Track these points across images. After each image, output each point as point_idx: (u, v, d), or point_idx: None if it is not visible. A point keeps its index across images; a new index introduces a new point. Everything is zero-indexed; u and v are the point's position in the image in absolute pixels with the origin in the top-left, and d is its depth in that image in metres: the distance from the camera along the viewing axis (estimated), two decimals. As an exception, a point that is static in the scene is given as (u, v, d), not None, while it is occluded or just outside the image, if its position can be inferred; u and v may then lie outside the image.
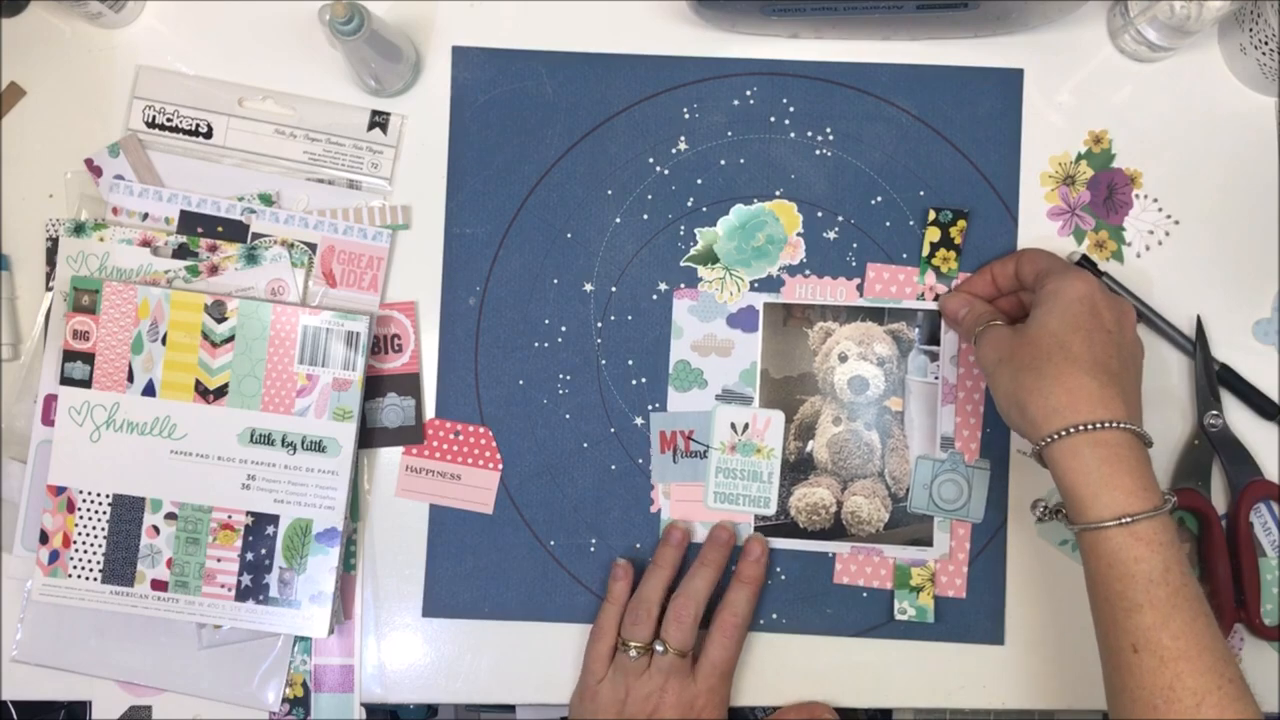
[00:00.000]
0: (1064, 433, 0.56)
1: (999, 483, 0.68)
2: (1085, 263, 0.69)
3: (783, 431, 0.69)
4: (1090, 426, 0.56)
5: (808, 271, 0.69)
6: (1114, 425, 0.56)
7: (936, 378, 0.69)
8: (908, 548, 0.68)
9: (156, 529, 0.66)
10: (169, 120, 0.69)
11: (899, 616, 0.68)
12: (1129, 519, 0.54)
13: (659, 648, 0.65)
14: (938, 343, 0.69)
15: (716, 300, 0.69)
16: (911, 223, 0.69)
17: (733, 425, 0.69)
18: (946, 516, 0.68)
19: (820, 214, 0.70)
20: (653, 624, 0.66)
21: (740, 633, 0.66)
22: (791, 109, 0.70)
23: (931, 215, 0.69)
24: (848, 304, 0.69)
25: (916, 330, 0.69)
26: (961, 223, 0.68)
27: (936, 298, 0.68)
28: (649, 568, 0.67)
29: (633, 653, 0.65)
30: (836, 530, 0.68)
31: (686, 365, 0.69)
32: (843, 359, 0.69)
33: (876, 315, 0.69)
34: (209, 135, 0.69)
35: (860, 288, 0.69)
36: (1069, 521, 0.57)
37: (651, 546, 0.69)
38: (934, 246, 0.69)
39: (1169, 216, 0.70)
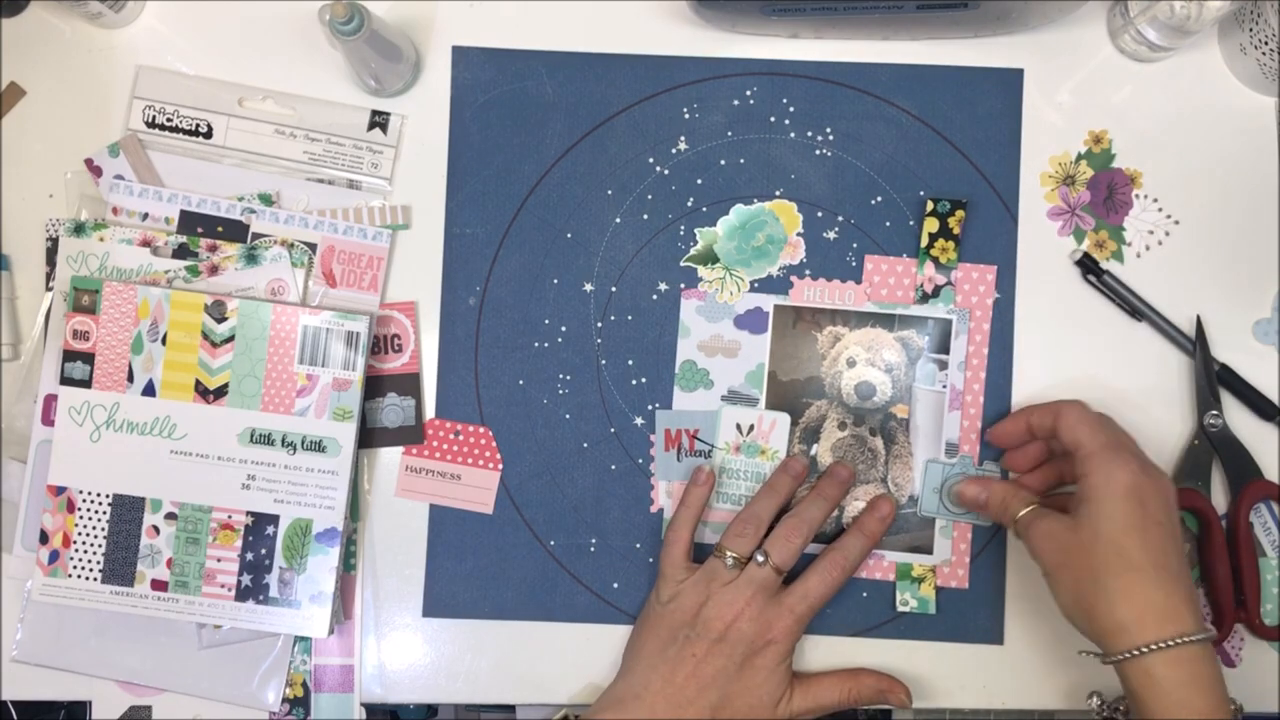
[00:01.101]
0: (1135, 653, 0.56)
1: (1002, 475, 0.68)
2: (1086, 261, 0.69)
3: (788, 434, 0.69)
4: (1162, 645, 0.56)
5: (813, 273, 0.69)
6: (1186, 641, 0.55)
7: (944, 386, 0.68)
8: (907, 554, 0.68)
9: (156, 529, 0.66)
10: (169, 120, 0.69)
11: (900, 608, 0.68)
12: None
13: (759, 558, 0.64)
14: (947, 351, 0.69)
15: (717, 300, 0.69)
16: (911, 222, 0.69)
17: (738, 426, 0.69)
18: (955, 519, 0.68)
19: (820, 214, 0.70)
20: (758, 540, 0.65)
21: (844, 574, 0.65)
22: (791, 109, 0.70)
23: (930, 206, 0.69)
24: (857, 309, 0.69)
25: (926, 338, 0.69)
26: (960, 213, 0.68)
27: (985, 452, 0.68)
28: (763, 489, 0.67)
29: (729, 560, 0.64)
30: (838, 535, 0.68)
31: (693, 365, 0.69)
32: (851, 364, 0.69)
33: (886, 321, 0.69)
34: (209, 135, 0.69)
35: (858, 280, 0.69)
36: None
37: (652, 547, 0.69)
38: (932, 237, 0.69)
39: (1169, 216, 0.70)
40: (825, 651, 0.69)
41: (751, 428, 0.69)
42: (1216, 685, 0.56)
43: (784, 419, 0.69)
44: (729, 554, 0.64)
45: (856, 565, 0.66)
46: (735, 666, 0.63)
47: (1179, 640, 0.55)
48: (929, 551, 0.68)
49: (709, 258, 0.70)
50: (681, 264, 0.70)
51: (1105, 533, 0.58)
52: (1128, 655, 0.56)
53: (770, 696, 0.63)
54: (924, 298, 0.69)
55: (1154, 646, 0.56)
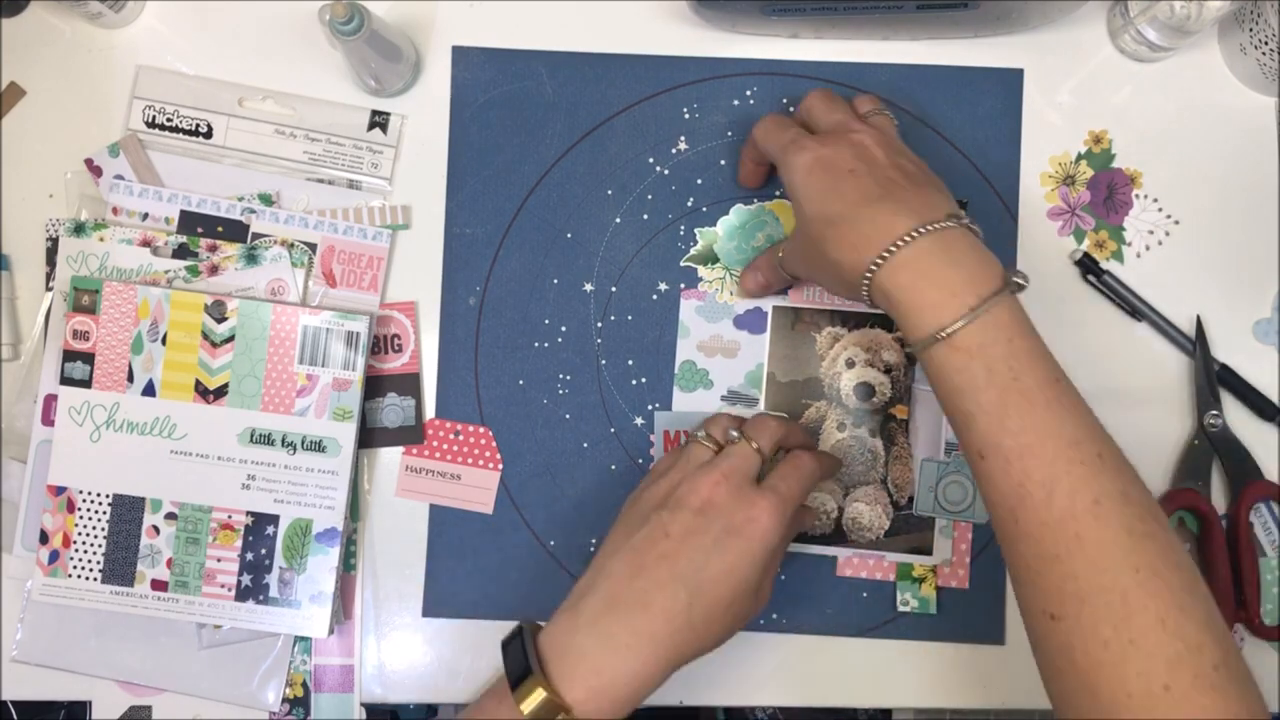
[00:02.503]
0: (866, 283, 0.54)
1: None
2: (1086, 261, 0.69)
3: (783, 432, 0.69)
4: (879, 261, 0.53)
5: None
6: (901, 243, 0.53)
7: (941, 383, 0.68)
8: (908, 555, 0.68)
9: (156, 529, 0.66)
10: (169, 120, 0.69)
11: (901, 608, 0.68)
12: (943, 333, 0.52)
13: (734, 433, 0.60)
14: None
15: (717, 300, 0.69)
16: (911, 223, 0.69)
17: (733, 425, 0.69)
18: (951, 518, 0.68)
19: (820, 214, 0.69)
20: (728, 425, 0.61)
21: (810, 474, 0.60)
22: (791, 109, 0.70)
23: None
24: (856, 310, 0.69)
25: (922, 335, 0.69)
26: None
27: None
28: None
29: (701, 435, 0.61)
30: (837, 536, 0.68)
31: (692, 365, 0.69)
32: (850, 365, 0.69)
33: (886, 322, 0.69)
34: (209, 135, 0.69)
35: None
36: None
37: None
38: None
39: (1169, 216, 0.70)
40: (825, 651, 0.69)
41: (751, 428, 0.69)
42: (953, 274, 0.53)
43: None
44: (703, 434, 0.61)
45: (817, 475, 0.61)
46: (711, 544, 0.56)
47: (892, 247, 0.53)
48: (929, 552, 0.68)
49: (709, 258, 0.70)
50: (681, 264, 0.70)
51: (808, 212, 0.57)
52: (864, 287, 0.54)
53: (749, 582, 0.57)
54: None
55: (873, 268, 0.54)
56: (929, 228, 0.53)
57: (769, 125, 0.63)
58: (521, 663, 0.54)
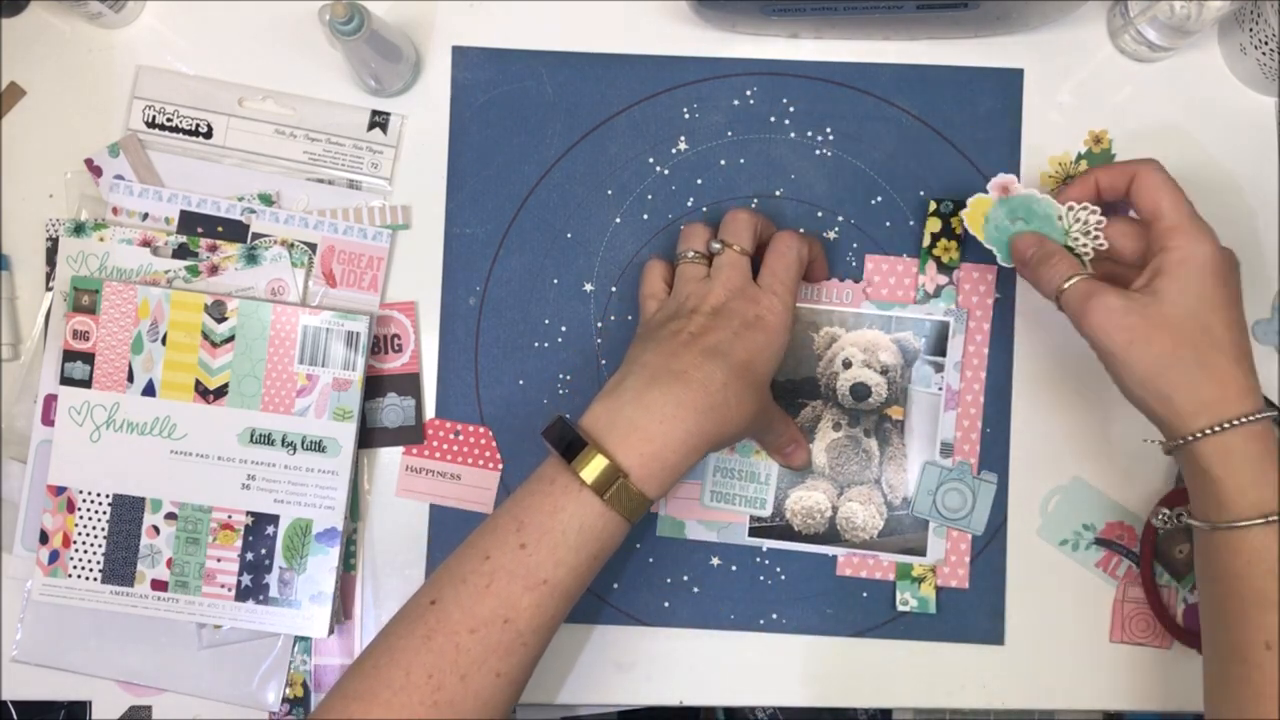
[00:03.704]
0: (1214, 429, 0.55)
1: (1000, 484, 0.68)
2: None
3: (783, 432, 0.69)
4: (1241, 421, 0.55)
5: (808, 272, 0.69)
6: (1261, 416, 0.55)
7: (940, 388, 0.68)
8: (901, 556, 0.68)
9: (156, 529, 0.66)
10: (169, 120, 0.69)
11: (900, 607, 0.68)
12: (1275, 518, 0.54)
13: (716, 245, 0.62)
14: (943, 354, 0.69)
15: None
16: (912, 223, 0.69)
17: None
18: (946, 524, 0.68)
19: (820, 214, 0.70)
20: (707, 236, 0.63)
21: (797, 247, 0.62)
22: (791, 109, 0.70)
23: (932, 206, 0.69)
24: (854, 310, 0.69)
25: (923, 340, 0.69)
26: (963, 213, 0.68)
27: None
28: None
29: (690, 254, 0.63)
30: (831, 535, 0.68)
31: (687, 365, 0.69)
32: (846, 365, 0.69)
33: (883, 323, 0.69)
34: (209, 135, 0.69)
35: (859, 279, 0.69)
36: (1195, 519, 0.57)
37: (652, 547, 0.69)
38: (934, 237, 0.69)
39: (1169, 216, 0.70)
40: (826, 651, 0.69)
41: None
42: (1273, 459, 0.55)
43: (783, 419, 0.69)
44: (689, 251, 0.63)
45: (805, 253, 0.63)
46: (733, 335, 0.59)
47: (1259, 415, 0.55)
48: (922, 553, 0.68)
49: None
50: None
51: (1191, 309, 0.56)
52: (1210, 431, 0.55)
53: (770, 370, 0.60)
54: (925, 297, 0.69)
55: (1237, 421, 0.55)
56: (1265, 416, 0.55)
57: (1169, 179, 0.59)
58: (573, 438, 0.56)
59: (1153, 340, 0.56)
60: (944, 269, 0.69)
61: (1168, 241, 0.57)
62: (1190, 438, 0.56)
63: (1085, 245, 0.61)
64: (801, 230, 0.68)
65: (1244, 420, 0.55)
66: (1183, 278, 0.56)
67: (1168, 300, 0.56)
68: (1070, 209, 0.61)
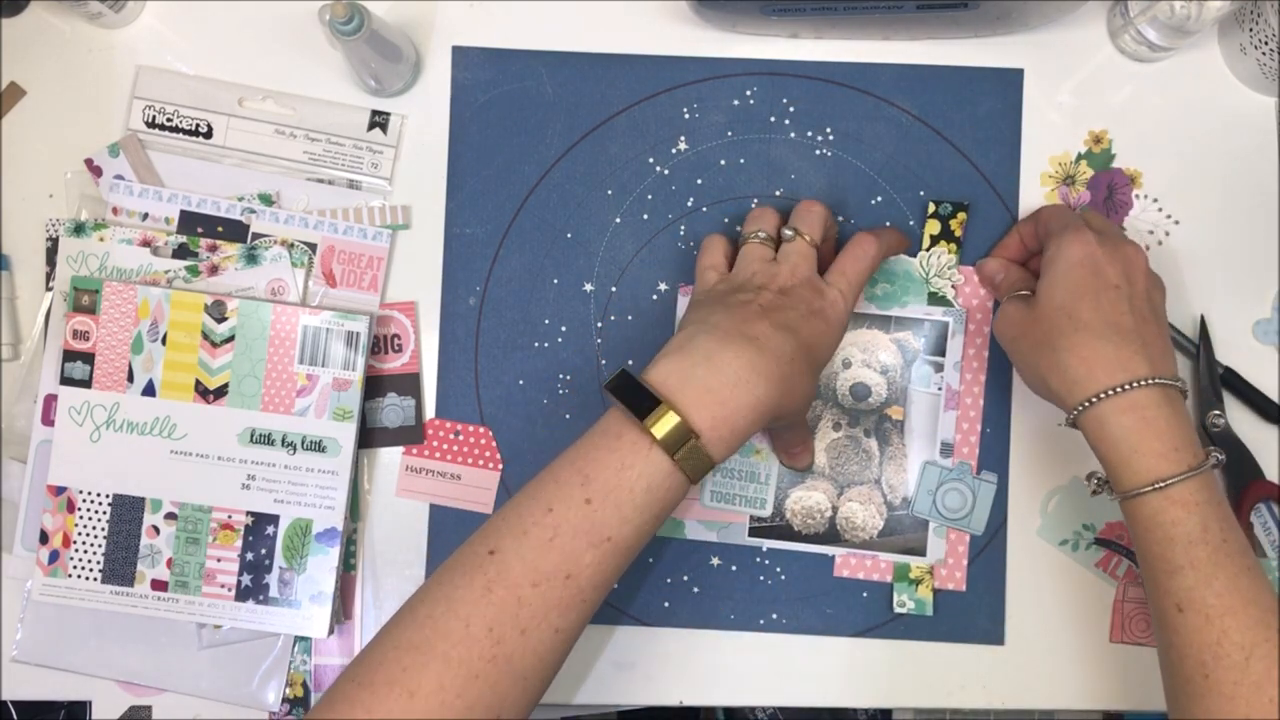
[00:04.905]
0: (1086, 404, 0.57)
1: (1000, 484, 0.68)
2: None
3: (783, 431, 0.69)
4: (1111, 392, 0.56)
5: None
6: (1136, 385, 0.56)
7: (940, 388, 0.68)
8: (901, 556, 0.68)
9: (156, 529, 0.66)
10: (169, 120, 0.69)
11: (897, 609, 0.68)
12: (1162, 484, 0.55)
13: (788, 232, 0.62)
14: (943, 353, 0.69)
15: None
16: (912, 223, 0.69)
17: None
18: (946, 524, 0.68)
19: (820, 214, 0.70)
20: (777, 221, 0.63)
21: (874, 254, 0.63)
22: (791, 109, 0.70)
23: (931, 208, 0.69)
24: (854, 310, 0.69)
25: (922, 340, 0.69)
26: (961, 215, 0.68)
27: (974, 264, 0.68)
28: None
29: (761, 234, 0.62)
30: (830, 535, 0.68)
31: (686, 365, 0.69)
32: (846, 365, 0.69)
33: (883, 323, 0.69)
34: (209, 135, 0.69)
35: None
36: (1111, 491, 0.58)
37: (651, 547, 0.69)
38: (934, 239, 0.69)
39: (1169, 216, 0.70)
40: (826, 651, 0.69)
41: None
42: (1174, 429, 0.56)
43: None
44: (760, 232, 0.63)
45: (879, 255, 0.64)
46: (799, 317, 0.59)
47: (1127, 385, 0.56)
48: (922, 553, 0.68)
49: None
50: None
51: (1057, 300, 0.59)
52: (1080, 408, 0.57)
53: (826, 357, 0.61)
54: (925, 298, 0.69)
55: (1102, 395, 0.56)
56: (1160, 381, 0.56)
57: (1060, 206, 0.67)
58: (643, 393, 0.54)
59: (1029, 333, 0.60)
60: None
61: (1047, 248, 0.62)
62: (1071, 415, 0.58)
63: (943, 282, 0.68)
64: (888, 224, 0.69)
65: (1111, 392, 0.56)
66: (1052, 274, 0.60)
67: (1042, 297, 0.60)
68: (926, 254, 0.68)
